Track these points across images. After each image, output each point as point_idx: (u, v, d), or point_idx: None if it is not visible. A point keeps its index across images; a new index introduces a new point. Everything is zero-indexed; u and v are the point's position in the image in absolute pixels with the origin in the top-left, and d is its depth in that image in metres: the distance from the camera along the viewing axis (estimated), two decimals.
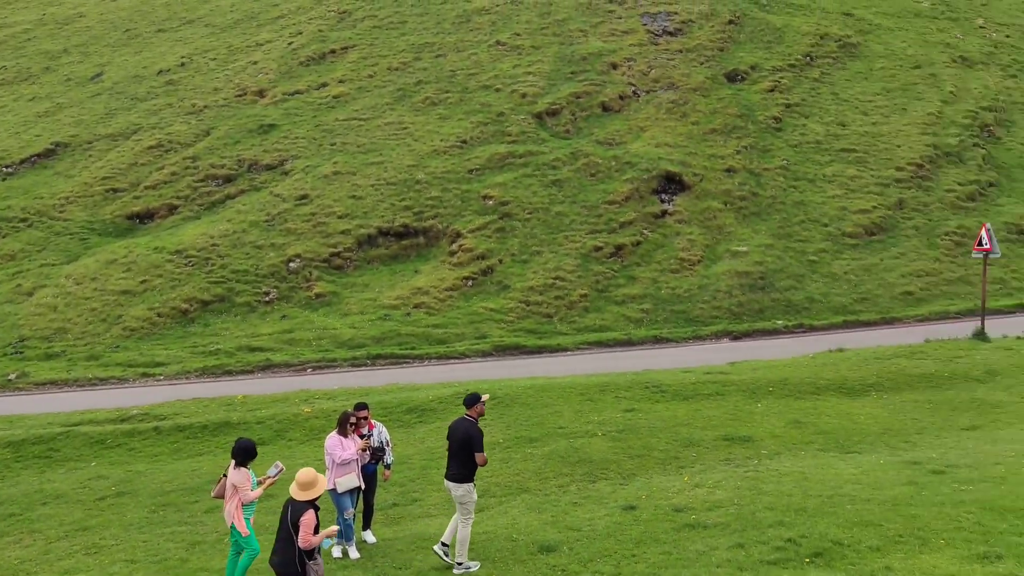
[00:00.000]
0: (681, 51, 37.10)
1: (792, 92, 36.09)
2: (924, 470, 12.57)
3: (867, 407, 17.13)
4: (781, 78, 36.37)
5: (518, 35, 38.33)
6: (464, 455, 10.05)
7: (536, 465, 14.35)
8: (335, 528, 8.52)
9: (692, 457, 14.58)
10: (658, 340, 25.61)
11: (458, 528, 10.14)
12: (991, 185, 33.56)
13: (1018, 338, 21.68)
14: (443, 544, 10.37)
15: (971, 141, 35.07)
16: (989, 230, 22.55)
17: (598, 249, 28.93)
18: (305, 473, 8.11)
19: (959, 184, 32.98)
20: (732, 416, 16.67)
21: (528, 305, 27.01)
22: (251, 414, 17.98)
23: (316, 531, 7.98)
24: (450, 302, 26.79)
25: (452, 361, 23.78)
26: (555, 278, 27.83)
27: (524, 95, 34.82)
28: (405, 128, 33.89)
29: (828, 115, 35.50)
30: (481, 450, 10.07)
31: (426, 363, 23.69)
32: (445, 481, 10.31)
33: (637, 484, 13.22)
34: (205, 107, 36.93)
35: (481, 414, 10.32)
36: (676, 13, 38.67)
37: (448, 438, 10.37)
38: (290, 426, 17.22)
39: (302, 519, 7.88)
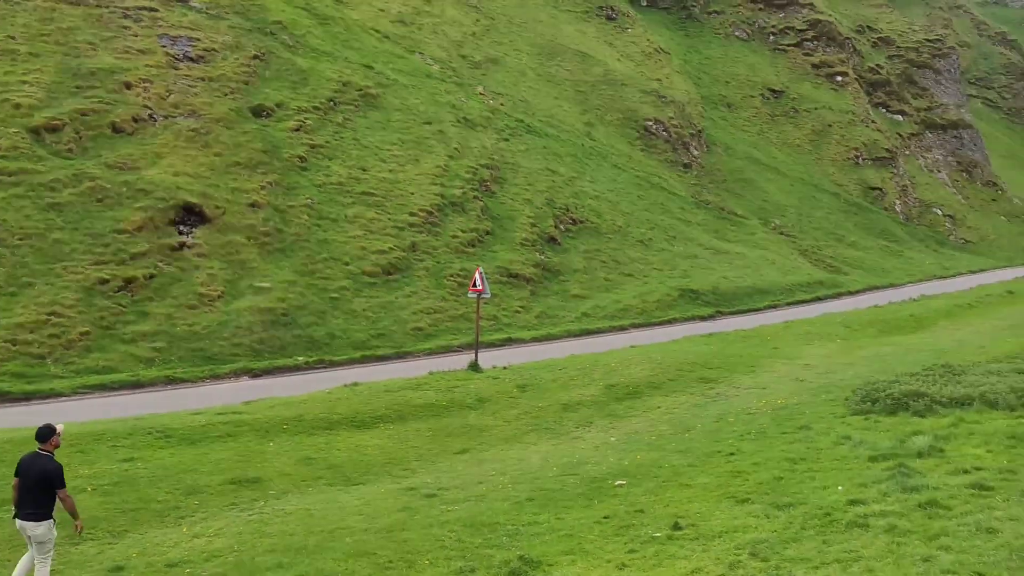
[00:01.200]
0: (204, 79, 35.82)
1: (317, 133, 37.05)
2: (419, 495, 13.47)
3: (375, 439, 17.93)
4: (306, 119, 37.14)
5: (13, 38, 33.48)
6: (41, 491, 9.82)
7: None
8: None
9: (195, 505, 13.77)
10: (171, 381, 23.99)
11: (36, 570, 9.69)
12: (487, 233, 38.07)
13: (504, 368, 24.60)
14: None
15: (472, 193, 39.47)
16: (482, 273, 25.39)
17: (104, 282, 26.28)
18: None
19: (462, 231, 36.82)
20: (242, 458, 16.19)
21: (15, 344, 23.42)
22: None
23: None
24: None
25: None
26: (50, 314, 24.57)
27: (18, 106, 30.42)
28: None
29: (351, 159, 37.13)
30: (63, 486, 9.93)
31: None
32: (17, 521, 9.95)
33: (129, 541, 12.05)
34: None
35: (57, 446, 10.22)
36: (199, 40, 37.30)
37: (18, 474, 10.05)
38: None
39: None
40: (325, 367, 26.49)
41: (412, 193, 37.15)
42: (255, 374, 25.22)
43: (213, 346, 26.02)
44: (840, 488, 10.54)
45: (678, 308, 38.48)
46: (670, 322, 36.58)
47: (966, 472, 10.26)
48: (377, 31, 49.42)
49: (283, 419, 18.58)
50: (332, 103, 39.27)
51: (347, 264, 31.90)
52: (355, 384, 22.49)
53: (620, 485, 12.84)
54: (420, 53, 50.71)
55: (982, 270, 64.10)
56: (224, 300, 27.81)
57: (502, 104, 50.91)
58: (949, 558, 7.60)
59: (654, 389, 21.48)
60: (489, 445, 17.69)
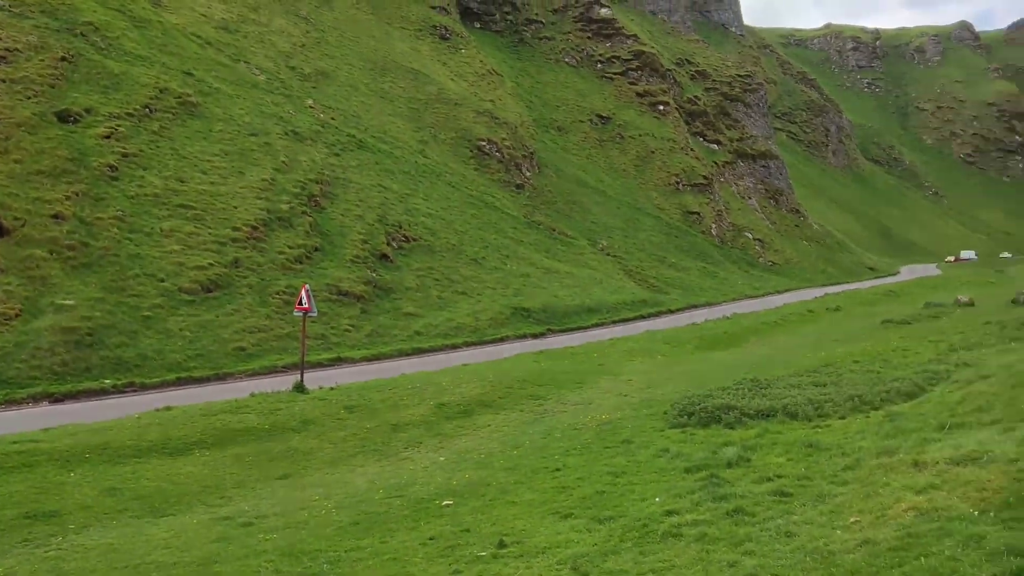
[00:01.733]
0: (4, 81, 32.90)
1: (130, 142, 34.85)
2: (235, 524, 12.76)
3: (189, 466, 16.88)
4: (118, 126, 34.86)
5: None
6: None
7: None
8: None
9: None
10: None
11: None
12: (316, 250, 37.09)
13: (331, 388, 23.90)
14: None
15: (300, 208, 38.37)
16: (308, 291, 24.60)
17: None
18: None
19: (289, 247, 35.67)
20: (39, 489, 14.81)
21: None
22: None
23: None
24: None
25: None
26: None
27: None
28: None
29: (167, 170, 35.17)
30: None
31: None
32: None
33: None
34: None
35: None
36: None
37: None
38: None
39: None
40: (136, 390, 24.81)
41: (235, 207, 35.66)
42: (56, 399, 23.25)
43: (9, 369, 23.80)
44: (657, 499, 10.90)
45: (510, 326, 38.99)
46: (502, 340, 36.99)
47: (769, 480, 10.87)
48: (199, 37, 47.30)
49: (86, 447, 17.17)
50: (147, 110, 37.11)
51: (162, 281, 30.09)
52: (168, 408, 21.12)
53: (447, 505, 12.70)
54: (245, 62, 48.96)
55: (787, 290, 69.35)
56: (22, 319, 25.51)
57: (333, 118, 49.99)
58: (752, 562, 7.98)
59: (485, 407, 21.53)
60: (314, 469, 17.07)
